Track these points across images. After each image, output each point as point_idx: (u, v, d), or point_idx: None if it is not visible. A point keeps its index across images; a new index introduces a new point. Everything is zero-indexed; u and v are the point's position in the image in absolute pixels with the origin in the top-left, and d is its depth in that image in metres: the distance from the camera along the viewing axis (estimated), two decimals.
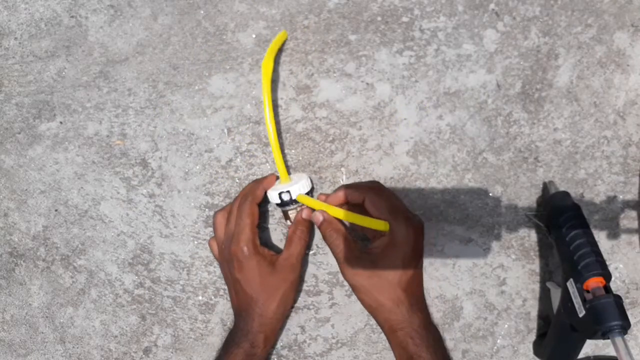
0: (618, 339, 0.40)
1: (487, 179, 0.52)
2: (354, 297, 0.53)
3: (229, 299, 0.54)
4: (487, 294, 0.53)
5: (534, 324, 0.54)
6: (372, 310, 0.46)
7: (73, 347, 0.56)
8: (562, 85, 0.52)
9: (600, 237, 0.52)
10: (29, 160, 0.56)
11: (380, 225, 0.44)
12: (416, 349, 0.43)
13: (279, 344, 0.54)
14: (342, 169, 0.53)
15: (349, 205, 0.48)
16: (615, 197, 0.52)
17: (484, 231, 0.52)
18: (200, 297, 0.54)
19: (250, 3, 0.53)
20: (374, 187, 0.47)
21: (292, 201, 0.48)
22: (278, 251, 0.51)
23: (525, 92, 0.52)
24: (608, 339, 0.41)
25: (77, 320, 0.56)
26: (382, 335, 0.53)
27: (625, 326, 0.41)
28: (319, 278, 0.53)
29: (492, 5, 0.52)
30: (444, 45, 0.52)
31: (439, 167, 0.52)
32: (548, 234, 0.50)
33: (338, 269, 0.53)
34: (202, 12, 0.53)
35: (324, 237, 0.47)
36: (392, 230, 0.44)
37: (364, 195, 0.46)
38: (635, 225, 0.52)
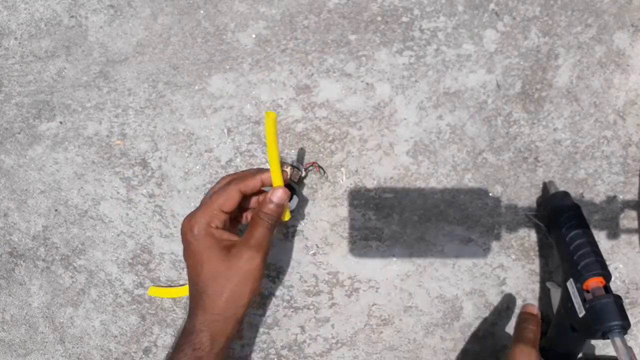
0: (618, 339, 0.40)
1: (487, 179, 0.52)
2: (353, 297, 0.53)
3: None
4: (487, 294, 0.53)
5: None
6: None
7: (73, 347, 0.56)
8: (562, 85, 0.52)
9: (600, 237, 0.52)
10: (29, 160, 0.56)
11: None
12: None
13: (279, 344, 0.54)
14: (342, 169, 0.53)
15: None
16: (615, 197, 0.52)
17: (484, 231, 0.52)
18: None
19: (250, 3, 0.53)
20: None
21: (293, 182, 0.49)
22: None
23: (525, 92, 0.52)
24: (608, 339, 0.41)
25: (77, 320, 0.56)
26: (382, 335, 0.53)
27: (625, 326, 0.41)
28: (319, 278, 0.53)
29: (492, 5, 0.52)
30: (443, 45, 0.52)
31: (439, 167, 0.52)
32: (548, 234, 0.50)
33: (338, 269, 0.53)
34: (202, 12, 0.53)
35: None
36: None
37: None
38: (635, 225, 0.52)
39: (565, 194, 0.48)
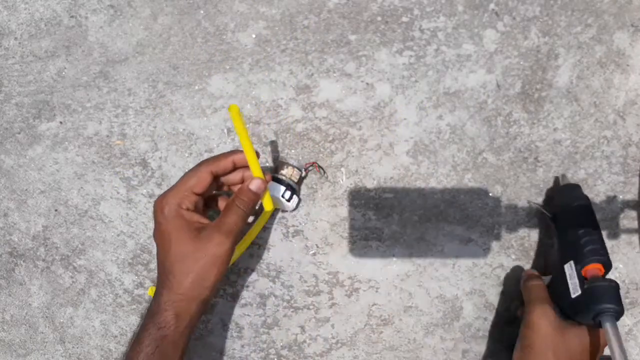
0: (609, 323, 0.39)
1: (487, 179, 0.52)
2: (353, 297, 0.53)
3: (229, 299, 0.54)
4: (487, 294, 0.53)
5: None
6: None
7: (73, 347, 0.56)
8: (562, 85, 0.52)
9: None
10: (29, 160, 0.56)
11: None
12: None
13: (279, 344, 0.54)
14: (342, 169, 0.53)
15: None
16: (615, 197, 0.52)
17: (484, 231, 0.52)
18: None
19: (250, 3, 0.53)
20: None
21: (290, 186, 0.49)
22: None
23: (525, 92, 0.52)
24: (599, 324, 0.40)
25: (77, 320, 0.56)
26: (382, 335, 0.53)
27: (619, 311, 0.40)
28: (319, 278, 0.53)
29: (492, 5, 0.52)
30: (443, 45, 0.52)
31: (439, 167, 0.52)
32: (551, 220, 0.50)
33: (338, 269, 0.53)
34: (202, 12, 0.53)
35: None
36: None
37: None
38: (635, 225, 0.52)
39: (578, 186, 0.49)
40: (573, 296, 0.42)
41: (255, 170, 0.44)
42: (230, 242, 0.42)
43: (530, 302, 0.45)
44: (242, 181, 0.46)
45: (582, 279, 0.42)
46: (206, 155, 0.53)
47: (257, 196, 0.44)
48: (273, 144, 0.53)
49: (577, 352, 0.43)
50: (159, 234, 0.43)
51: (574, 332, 0.43)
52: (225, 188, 0.48)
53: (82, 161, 0.55)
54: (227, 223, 0.42)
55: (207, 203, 0.48)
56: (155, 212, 0.43)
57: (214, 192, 0.48)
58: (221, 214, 0.43)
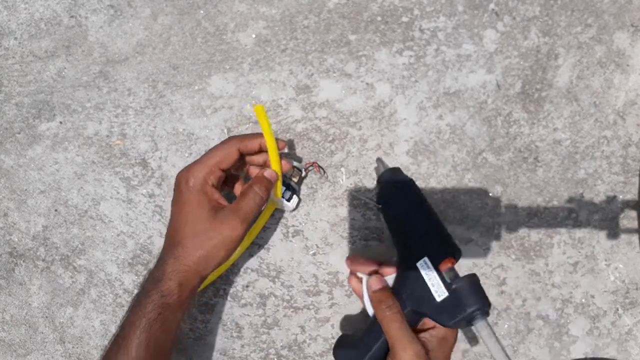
0: (485, 323, 0.37)
1: (487, 179, 0.52)
2: (353, 297, 0.53)
3: (229, 299, 0.54)
4: (487, 294, 0.53)
5: (534, 324, 0.54)
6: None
7: (73, 347, 0.56)
8: (562, 85, 0.52)
9: (600, 237, 0.52)
10: (28, 160, 0.56)
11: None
12: None
13: (279, 344, 0.54)
14: (342, 169, 0.53)
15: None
16: (615, 197, 0.52)
17: (484, 231, 0.52)
18: (199, 297, 0.54)
19: (250, 3, 0.53)
20: None
21: (291, 187, 0.50)
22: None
23: (525, 92, 0.52)
24: (471, 325, 0.37)
25: (77, 320, 0.56)
26: None
27: (489, 305, 0.38)
28: (319, 278, 0.53)
29: (492, 5, 0.52)
30: (443, 45, 0.52)
31: (439, 167, 0.52)
32: (380, 211, 0.45)
33: (338, 269, 0.53)
34: (202, 12, 0.53)
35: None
36: None
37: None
38: (635, 225, 0.52)
39: (395, 170, 0.45)
40: (439, 300, 0.38)
41: (275, 162, 0.46)
42: (245, 228, 0.43)
43: (396, 339, 0.39)
44: (265, 164, 0.47)
45: (444, 279, 0.38)
46: None
47: (271, 184, 0.45)
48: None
49: None
50: (178, 204, 0.43)
51: (437, 351, 0.40)
52: (248, 168, 0.49)
53: (82, 161, 0.55)
54: (244, 208, 0.43)
55: (226, 181, 0.48)
56: (178, 182, 0.43)
57: (232, 171, 0.48)
58: (239, 198, 0.44)
